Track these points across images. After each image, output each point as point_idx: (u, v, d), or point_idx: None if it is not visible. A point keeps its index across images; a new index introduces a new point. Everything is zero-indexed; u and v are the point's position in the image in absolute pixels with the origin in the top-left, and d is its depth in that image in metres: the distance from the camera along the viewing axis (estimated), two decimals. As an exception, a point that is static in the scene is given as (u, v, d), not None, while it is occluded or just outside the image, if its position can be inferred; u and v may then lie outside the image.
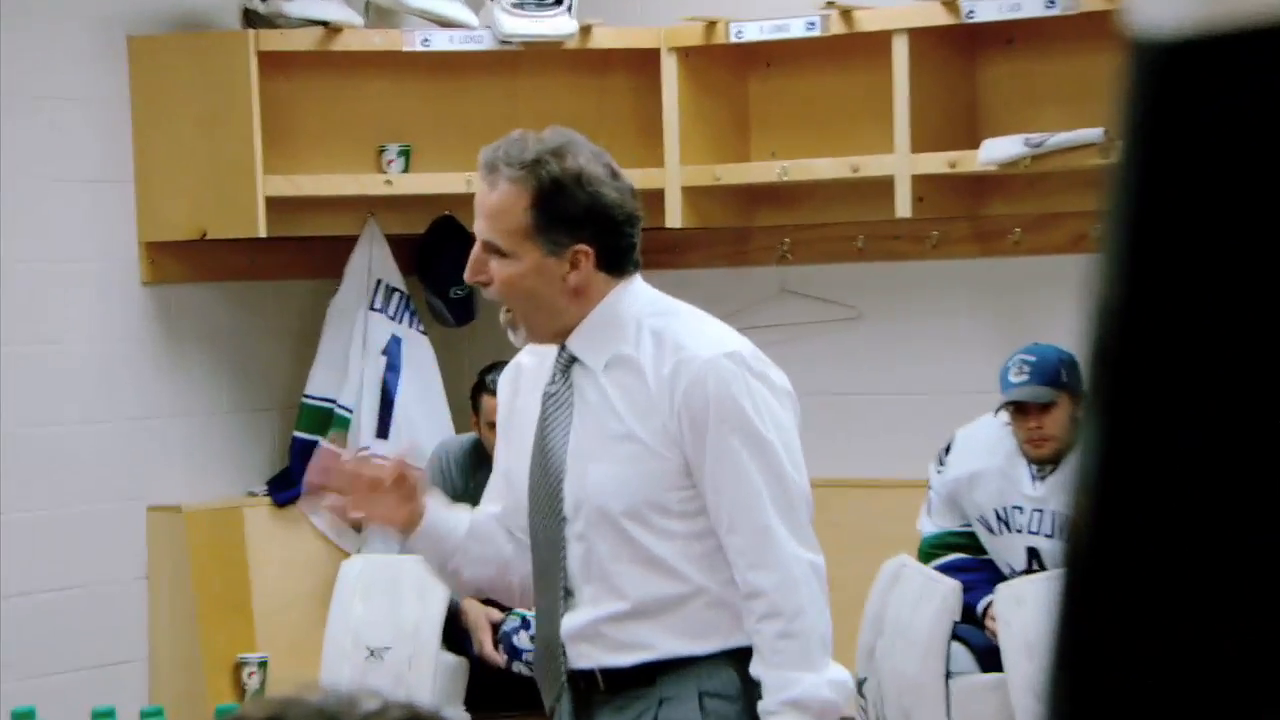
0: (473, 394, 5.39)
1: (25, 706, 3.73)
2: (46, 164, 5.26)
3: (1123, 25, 0.84)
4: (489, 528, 3.03)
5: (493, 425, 3.32)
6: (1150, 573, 0.82)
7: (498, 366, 3.77)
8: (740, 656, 2.87)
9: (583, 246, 2.85)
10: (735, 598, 2.86)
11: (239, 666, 5.43)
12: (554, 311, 2.88)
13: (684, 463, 2.84)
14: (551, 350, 2.95)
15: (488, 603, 5.03)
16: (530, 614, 3.84)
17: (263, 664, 5.43)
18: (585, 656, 2.90)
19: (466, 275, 2.90)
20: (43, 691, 5.00)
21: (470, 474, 5.22)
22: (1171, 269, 0.82)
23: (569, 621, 2.90)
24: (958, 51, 5.24)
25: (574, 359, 2.91)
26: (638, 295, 2.91)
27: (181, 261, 5.49)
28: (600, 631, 2.89)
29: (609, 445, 2.86)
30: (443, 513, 3.03)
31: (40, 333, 5.25)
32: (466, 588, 3.27)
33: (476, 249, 2.90)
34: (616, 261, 2.89)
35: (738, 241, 5.67)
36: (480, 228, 2.88)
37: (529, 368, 3.02)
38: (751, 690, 2.85)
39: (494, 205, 2.85)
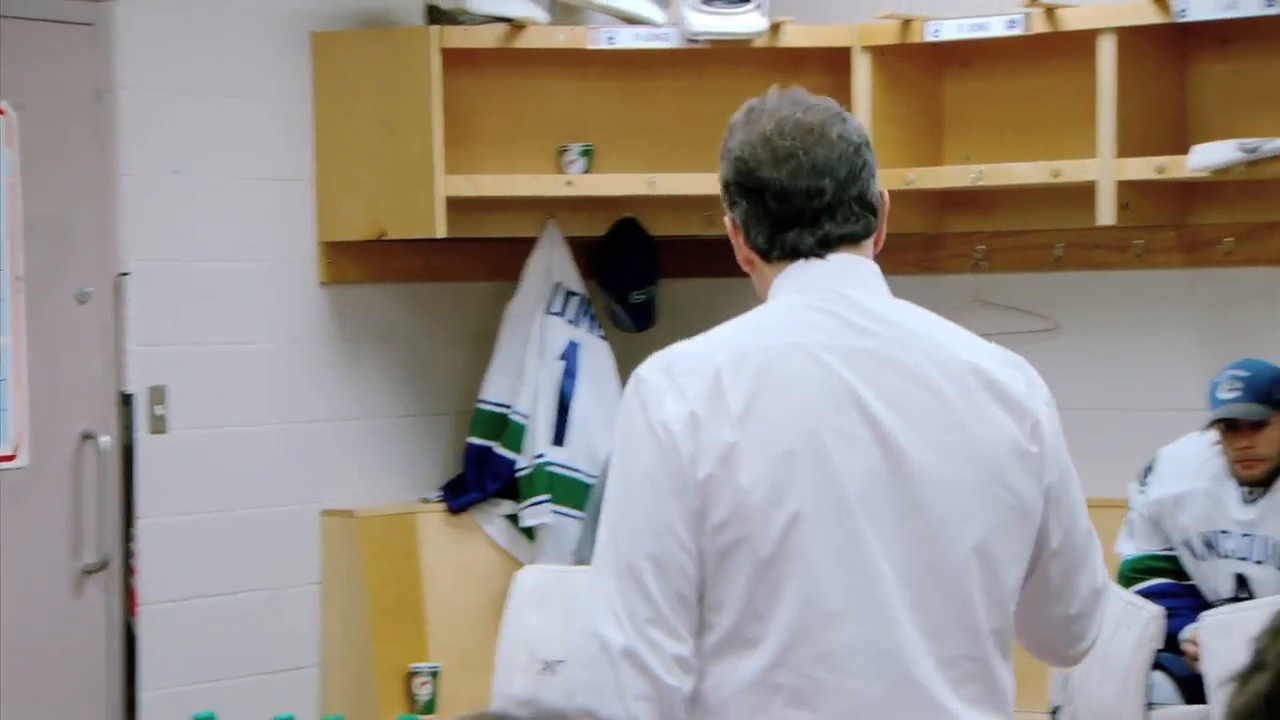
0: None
1: (206, 712, 3.72)
2: (229, 161, 5.20)
3: None
4: None
5: None
6: None
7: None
8: None
9: (730, 215, 2.42)
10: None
11: (411, 676, 5.35)
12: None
13: None
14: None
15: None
16: None
17: (434, 674, 5.35)
18: None
19: None
20: (219, 696, 4.98)
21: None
22: None
23: None
24: (1168, 51, 5.05)
25: None
26: (775, 293, 2.40)
27: (359, 262, 5.42)
28: None
29: None
30: None
31: (217, 332, 5.20)
32: None
33: None
34: (761, 241, 2.40)
35: (929, 248, 5.51)
36: None
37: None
38: None
39: None
